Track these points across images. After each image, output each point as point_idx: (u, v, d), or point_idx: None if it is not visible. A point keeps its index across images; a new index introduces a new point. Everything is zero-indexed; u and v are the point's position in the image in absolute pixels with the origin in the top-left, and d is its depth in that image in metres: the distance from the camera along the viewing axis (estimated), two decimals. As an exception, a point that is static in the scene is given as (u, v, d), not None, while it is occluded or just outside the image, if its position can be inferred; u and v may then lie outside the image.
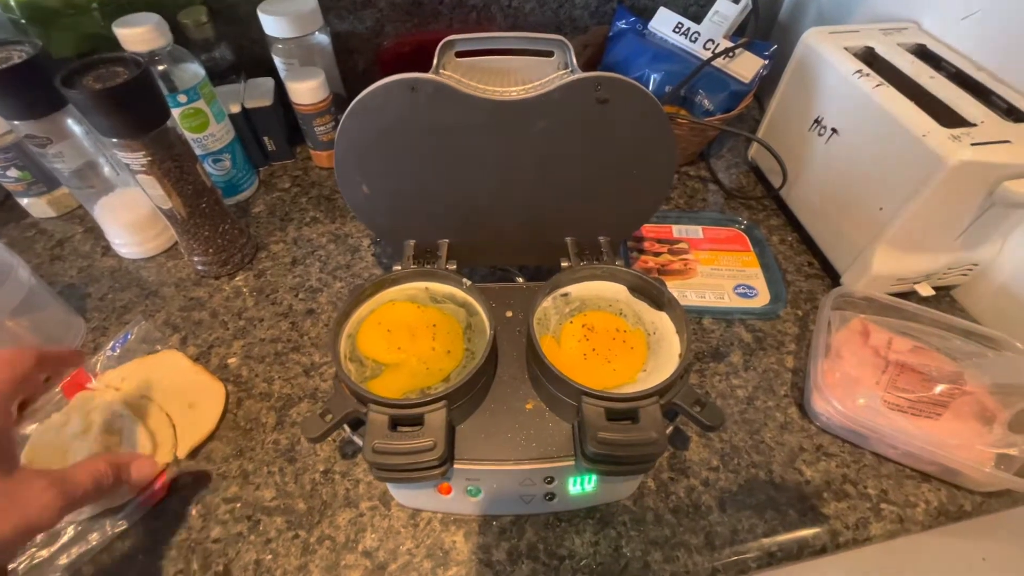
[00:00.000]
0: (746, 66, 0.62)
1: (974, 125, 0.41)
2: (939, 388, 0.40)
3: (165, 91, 0.50)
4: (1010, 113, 0.44)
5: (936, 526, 0.39)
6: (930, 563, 0.58)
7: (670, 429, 0.35)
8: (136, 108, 0.39)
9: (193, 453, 0.41)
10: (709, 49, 0.63)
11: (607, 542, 0.37)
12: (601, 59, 0.68)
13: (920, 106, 0.43)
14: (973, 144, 0.39)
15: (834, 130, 0.51)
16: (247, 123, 0.61)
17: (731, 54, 0.62)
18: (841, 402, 0.39)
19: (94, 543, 0.36)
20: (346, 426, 0.34)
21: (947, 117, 0.42)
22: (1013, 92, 0.45)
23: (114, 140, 0.40)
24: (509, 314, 0.40)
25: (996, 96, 0.45)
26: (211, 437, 0.42)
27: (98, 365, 0.45)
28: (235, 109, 0.60)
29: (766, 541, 0.37)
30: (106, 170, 0.53)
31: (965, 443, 0.38)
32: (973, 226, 0.44)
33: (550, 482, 0.35)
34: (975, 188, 0.41)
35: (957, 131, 0.40)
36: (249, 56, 0.65)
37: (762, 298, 0.51)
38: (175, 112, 0.51)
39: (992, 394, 0.40)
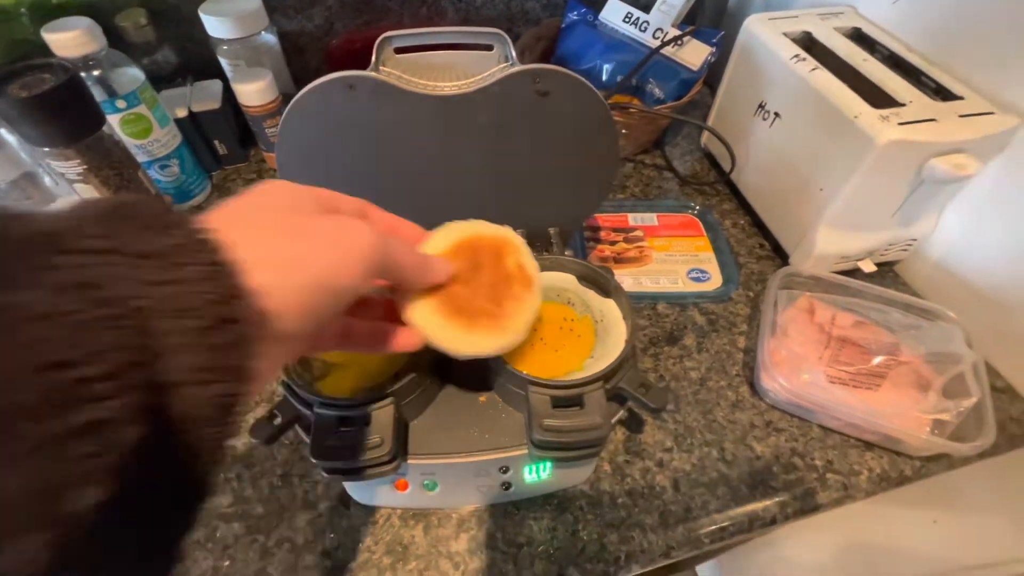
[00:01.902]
0: (694, 54, 0.62)
1: (903, 105, 0.43)
2: (877, 360, 0.42)
3: (105, 96, 0.49)
4: (938, 92, 0.46)
5: (879, 492, 0.40)
6: (887, 529, 0.61)
7: (622, 413, 0.36)
8: (65, 115, 0.38)
9: (147, 464, 0.40)
10: (658, 38, 0.64)
11: (564, 527, 0.37)
12: (554, 51, 0.69)
13: (853, 88, 0.45)
14: (900, 124, 0.41)
15: (776, 114, 0.52)
16: (195, 127, 0.60)
17: (679, 43, 0.62)
18: (787, 379, 0.41)
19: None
20: (298, 427, 0.34)
21: (878, 98, 0.44)
22: (942, 72, 0.47)
23: (46, 149, 0.39)
24: (461, 308, 0.40)
25: (926, 76, 0.47)
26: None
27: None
28: (182, 113, 0.58)
29: (718, 516, 0.38)
30: (46, 181, 0.51)
31: (903, 411, 0.40)
32: (907, 203, 0.46)
33: (505, 471, 0.36)
34: (905, 166, 0.42)
35: (886, 111, 0.42)
36: (195, 58, 0.63)
37: (715, 281, 0.53)
38: (114, 118, 0.50)
39: (928, 363, 0.42)
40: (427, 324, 0.26)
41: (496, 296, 0.28)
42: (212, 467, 0.16)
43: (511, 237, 0.30)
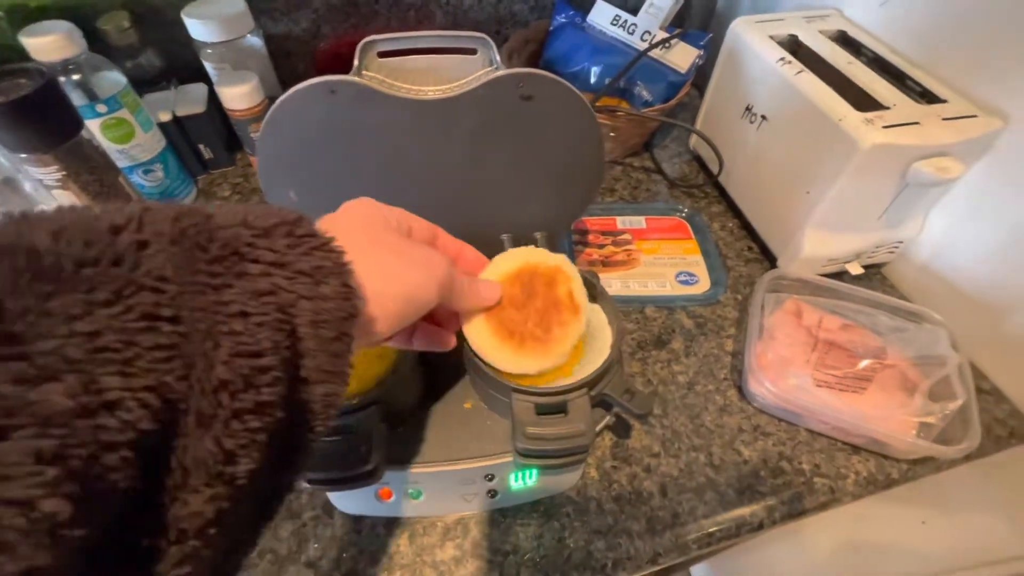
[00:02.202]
0: (682, 56, 0.62)
1: (887, 108, 0.43)
2: (863, 363, 0.42)
3: (85, 101, 0.48)
4: (923, 96, 0.46)
5: (866, 495, 0.40)
6: (878, 530, 0.61)
7: (608, 419, 0.35)
8: (42, 121, 0.37)
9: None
10: (646, 41, 0.64)
11: (551, 534, 0.37)
12: (542, 54, 0.69)
13: (838, 91, 0.45)
14: (885, 127, 0.41)
15: (763, 117, 0.52)
16: (180, 131, 0.59)
17: (667, 45, 0.63)
18: (774, 383, 0.41)
19: None
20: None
21: (863, 101, 0.44)
22: (926, 75, 0.47)
23: (23, 155, 0.38)
24: (447, 314, 0.40)
25: (910, 80, 0.47)
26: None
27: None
28: (166, 117, 0.58)
29: (705, 522, 0.38)
30: (27, 186, 0.50)
31: (889, 414, 0.40)
32: (893, 206, 0.46)
33: (491, 479, 0.35)
34: (889, 169, 0.43)
35: (871, 115, 0.42)
36: (181, 62, 0.62)
37: (703, 284, 0.53)
38: (95, 123, 0.49)
39: (914, 365, 0.42)
40: (481, 342, 0.30)
41: (545, 322, 0.30)
42: (306, 458, 0.18)
43: (564, 267, 0.33)
